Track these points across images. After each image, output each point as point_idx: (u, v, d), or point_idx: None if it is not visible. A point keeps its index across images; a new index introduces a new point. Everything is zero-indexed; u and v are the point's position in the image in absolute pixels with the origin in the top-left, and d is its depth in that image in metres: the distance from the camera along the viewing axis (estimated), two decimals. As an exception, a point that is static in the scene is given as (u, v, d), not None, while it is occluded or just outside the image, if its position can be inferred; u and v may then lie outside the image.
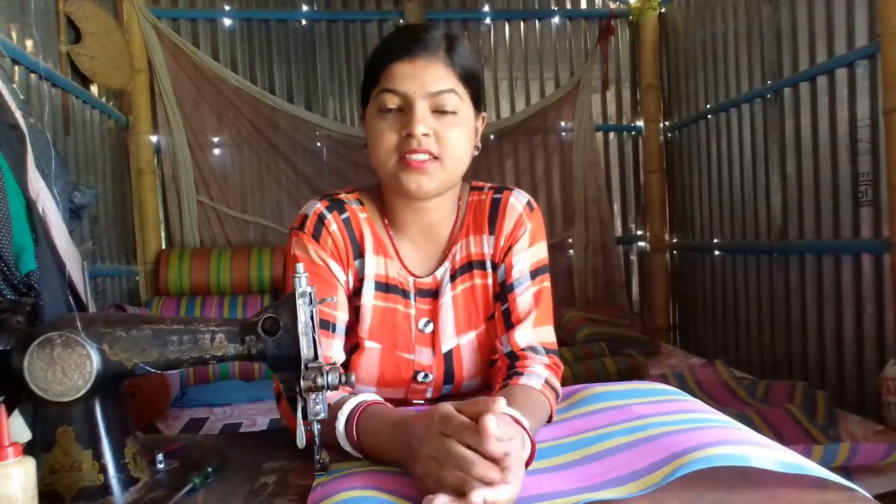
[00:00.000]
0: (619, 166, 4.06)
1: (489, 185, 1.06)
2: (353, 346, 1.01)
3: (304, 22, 3.72)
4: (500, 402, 0.66)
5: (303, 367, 0.72)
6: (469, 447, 0.63)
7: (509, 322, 0.99)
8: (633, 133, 4.05)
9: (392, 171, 0.91)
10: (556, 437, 0.83)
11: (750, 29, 3.01)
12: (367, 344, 0.99)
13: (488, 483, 0.60)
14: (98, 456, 0.71)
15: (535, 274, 1.01)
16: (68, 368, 0.68)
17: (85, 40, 2.80)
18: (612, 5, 3.92)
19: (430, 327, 1.02)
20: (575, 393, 0.99)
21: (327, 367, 0.72)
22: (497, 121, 3.83)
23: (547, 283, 1.02)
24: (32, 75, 2.37)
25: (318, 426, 0.74)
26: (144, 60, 3.38)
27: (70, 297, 1.56)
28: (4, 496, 0.59)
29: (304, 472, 0.77)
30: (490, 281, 1.03)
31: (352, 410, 0.80)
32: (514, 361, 0.96)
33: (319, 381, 0.71)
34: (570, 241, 3.90)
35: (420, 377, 1.02)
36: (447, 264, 1.02)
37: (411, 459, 0.68)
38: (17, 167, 1.58)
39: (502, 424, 0.65)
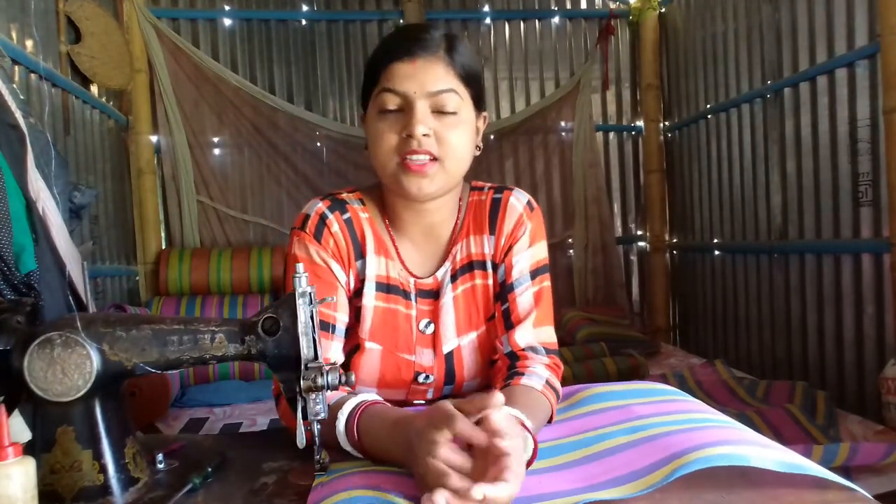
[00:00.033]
0: (619, 166, 4.06)
1: (489, 184, 1.05)
2: (353, 347, 1.01)
3: (304, 22, 3.72)
4: (498, 397, 0.67)
5: (303, 367, 0.72)
6: (468, 442, 0.64)
7: (509, 322, 0.99)
8: (633, 133, 4.05)
9: (392, 173, 0.91)
10: (556, 437, 0.83)
11: (750, 29, 3.01)
12: (368, 345, 0.99)
13: (464, 494, 0.60)
14: (98, 456, 0.71)
15: (535, 274, 1.00)
16: (68, 368, 0.68)
17: (85, 40, 2.80)
18: (612, 5, 3.93)
19: (431, 328, 1.01)
20: (575, 393, 0.99)
21: (327, 367, 0.72)
22: (497, 121, 3.83)
23: (547, 283, 1.02)
24: (32, 75, 2.37)
25: (318, 426, 0.74)
26: (144, 60, 3.38)
27: (70, 297, 1.56)
28: (4, 496, 0.59)
29: (304, 472, 0.77)
30: (490, 281, 1.02)
31: (352, 410, 0.80)
32: (514, 361, 0.96)
33: (319, 381, 0.71)
34: (570, 241, 3.90)
35: (421, 378, 1.02)
36: (448, 265, 1.02)
37: (411, 459, 0.68)
38: (17, 167, 1.58)
39: (505, 422, 0.66)
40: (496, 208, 1.02)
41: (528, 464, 0.70)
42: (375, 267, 0.99)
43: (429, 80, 0.89)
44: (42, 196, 1.67)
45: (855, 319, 2.47)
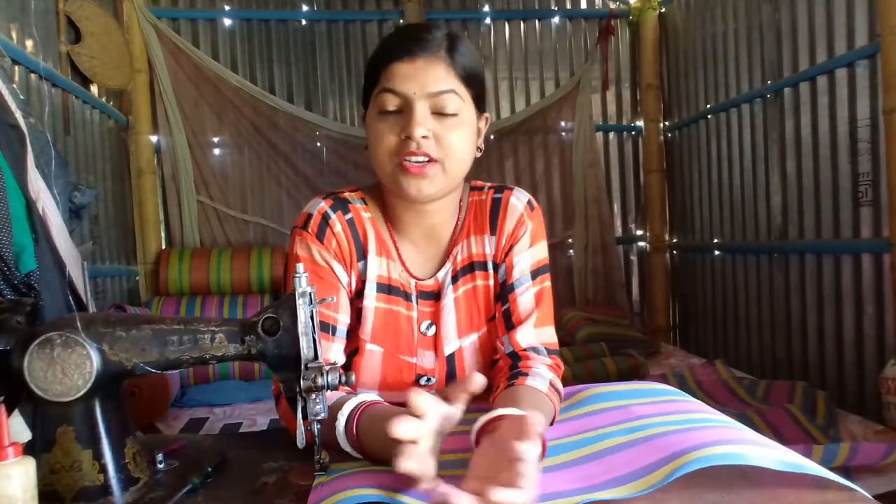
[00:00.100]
0: (619, 166, 4.06)
1: (489, 184, 1.05)
2: (354, 349, 1.00)
3: (304, 22, 3.72)
4: (478, 378, 0.73)
5: (303, 367, 0.72)
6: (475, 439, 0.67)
7: (510, 322, 0.99)
8: (633, 133, 4.05)
9: (391, 174, 0.90)
10: (556, 436, 0.83)
11: (750, 29, 3.01)
12: (369, 346, 0.98)
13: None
14: (98, 456, 0.71)
15: (535, 274, 1.00)
16: (68, 368, 0.68)
17: (85, 40, 2.80)
18: (612, 5, 3.93)
19: (433, 330, 1.01)
20: (575, 393, 0.99)
21: (327, 367, 0.72)
22: (497, 121, 3.83)
23: (548, 283, 1.02)
24: (32, 75, 2.37)
25: (318, 426, 0.74)
26: (144, 60, 3.38)
27: (70, 297, 1.56)
28: (4, 496, 0.59)
29: (304, 472, 0.77)
30: (491, 282, 1.02)
31: (351, 411, 0.79)
32: (516, 361, 0.95)
33: (319, 381, 0.71)
34: (570, 241, 3.90)
35: (423, 381, 1.02)
36: (448, 266, 1.01)
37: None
38: (17, 167, 1.58)
39: (525, 430, 0.65)
40: (496, 208, 1.01)
41: None
42: (377, 268, 0.99)
43: (429, 80, 0.88)
44: (42, 196, 1.67)
45: (855, 319, 2.47)
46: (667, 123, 3.95)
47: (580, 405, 0.94)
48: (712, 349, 3.49)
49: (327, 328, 0.94)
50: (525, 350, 0.96)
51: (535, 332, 0.98)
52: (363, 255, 0.99)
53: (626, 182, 4.07)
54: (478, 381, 0.71)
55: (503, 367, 0.97)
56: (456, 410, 0.74)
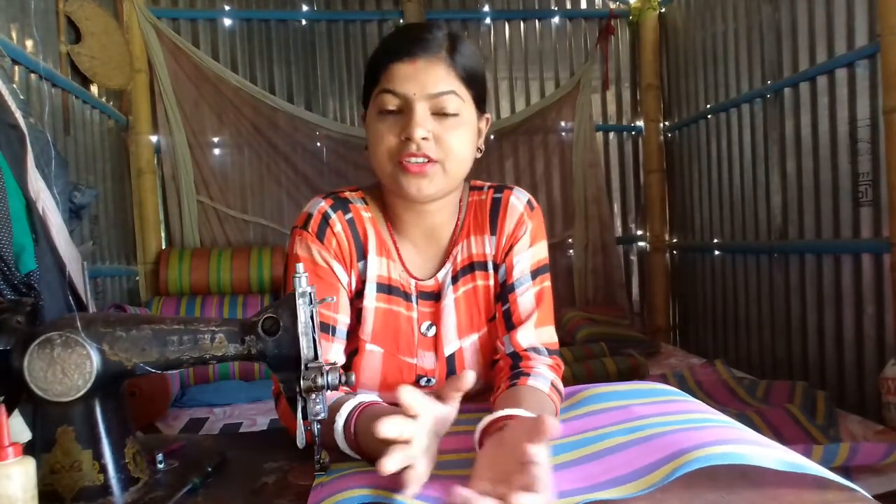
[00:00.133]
0: (619, 166, 4.06)
1: (489, 184, 1.05)
2: (354, 349, 1.00)
3: (304, 22, 3.72)
4: (469, 374, 0.73)
5: (303, 367, 0.72)
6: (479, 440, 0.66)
7: (510, 322, 0.98)
8: (633, 133, 4.05)
9: (391, 174, 0.90)
10: (556, 436, 0.83)
11: (750, 29, 3.01)
12: (369, 347, 0.98)
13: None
14: (98, 456, 0.71)
15: (535, 274, 1.00)
16: (68, 368, 0.68)
17: (85, 40, 2.80)
18: (612, 5, 3.93)
19: (433, 330, 1.01)
20: (575, 393, 0.99)
21: (327, 367, 0.72)
22: (497, 121, 3.83)
23: (548, 283, 1.02)
24: (32, 75, 2.37)
25: (318, 426, 0.74)
26: (144, 60, 3.38)
27: (70, 297, 1.56)
28: (4, 496, 0.59)
29: (304, 472, 0.76)
30: (492, 282, 1.02)
31: (350, 412, 0.79)
32: (517, 362, 0.95)
33: (319, 381, 0.71)
34: (570, 241, 3.90)
35: (423, 381, 1.01)
36: (448, 266, 1.01)
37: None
38: (17, 167, 1.58)
39: (539, 432, 0.65)
40: (496, 208, 1.01)
41: None
42: (377, 268, 0.98)
43: (429, 81, 0.87)
44: (42, 196, 1.67)
45: (855, 319, 2.47)
46: (667, 123, 3.95)
47: (580, 405, 0.94)
48: (712, 349, 3.49)
49: (327, 328, 0.93)
50: (526, 350, 0.96)
51: (536, 333, 0.98)
52: (363, 255, 0.98)
53: (626, 182, 4.07)
54: (468, 379, 0.70)
55: (504, 367, 0.97)
56: (450, 410, 0.74)
